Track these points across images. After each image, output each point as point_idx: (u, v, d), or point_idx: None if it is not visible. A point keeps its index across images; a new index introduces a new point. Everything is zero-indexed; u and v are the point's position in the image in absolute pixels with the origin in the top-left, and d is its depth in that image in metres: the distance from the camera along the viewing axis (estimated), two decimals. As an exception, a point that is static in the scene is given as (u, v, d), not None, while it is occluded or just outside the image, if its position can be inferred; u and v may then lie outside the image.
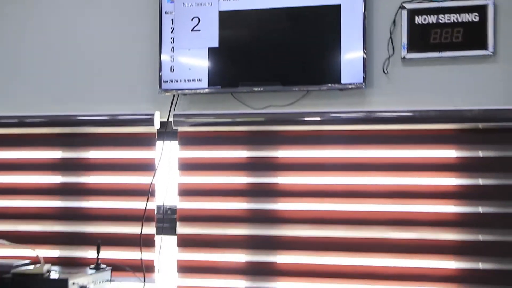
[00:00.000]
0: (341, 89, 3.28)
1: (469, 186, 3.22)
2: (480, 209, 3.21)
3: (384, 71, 3.26)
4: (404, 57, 3.22)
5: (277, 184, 3.46)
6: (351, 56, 3.22)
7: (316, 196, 3.37)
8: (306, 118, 3.36)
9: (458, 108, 3.17)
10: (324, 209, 3.36)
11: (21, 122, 3.71)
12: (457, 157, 3.24)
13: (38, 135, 3.73)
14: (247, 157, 3.51)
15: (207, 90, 3.41)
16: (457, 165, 3.24)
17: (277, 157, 3.47)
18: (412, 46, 3.24)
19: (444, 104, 3.21)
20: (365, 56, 3.20)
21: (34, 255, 3.35)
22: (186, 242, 3.53)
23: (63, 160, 3.71)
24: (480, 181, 3.20)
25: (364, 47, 3.20)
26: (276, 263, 3.45)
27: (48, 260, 3.43)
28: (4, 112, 3.75)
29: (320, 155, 3.39)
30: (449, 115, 3.18)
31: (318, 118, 3.33)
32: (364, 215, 3.29)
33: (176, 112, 3.52)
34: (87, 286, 3.27)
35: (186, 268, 3.53)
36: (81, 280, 3.23)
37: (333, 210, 3.35)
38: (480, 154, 3.20)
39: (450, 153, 3.25)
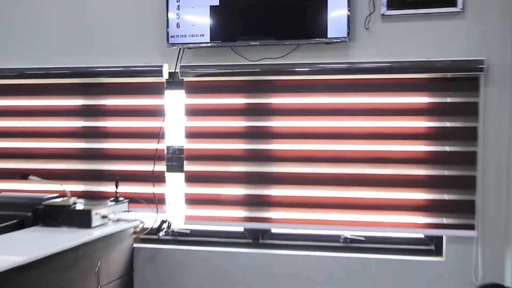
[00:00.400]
0: (327, 43, 3.32)
1: (438, 128, 3.28)
2: (447, 148, 3.28)
3: (365, 27, 3.30)
4: (384, 14, 3.27)
5: (271, 127, 3.49)
6: (336, 13, 3.25)
7: (305, 138, 3.43)
8: (297, 69, 3.39)
9: (430, 59, 3.22)
10: (312, 148, 3.42)
11: (48, 73, 3.72)
12: (428, 103, 3.29)
13: (62, 85, 3.74)
14: (245, 104, 3.53)
15: (209, 44, 3.43)
16: (428, 110, 3.30)
17: (271, 103, 3.50)
18: (391, 4, 3.27)
19: (418, 56, 3.25)
20: (349, 13, 3.23)
21: (62, 189, 3.48)
22: (192, 178, 3.59)
23: (84, 106, 3.74)
24: (448, 124, 3.26)
25: (348, 5, 3.23)
26: (270, 195, 3.51)
27: (74, 194, 3.55)
28: (32, 65, 3.75)
29: (308, 102, 3.42)
30: (422, 66, 3.23)
31: (307, 69, 3.37)
32: (346, 154, 3.38)
33: (182, 63, 3.54)
34: (108, 216, 3.35)
35: (192, 200, 3.60)
36: (102, 210, 3.34)
37: (319, 150, 3.42)
38: (448, 100, 3.25)
39: (422, 99, 3.30)
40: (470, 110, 3.22)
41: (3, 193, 3.66)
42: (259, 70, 3.46)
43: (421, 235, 3.43)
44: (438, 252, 3.40)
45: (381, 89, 3.34)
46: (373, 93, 3.35)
